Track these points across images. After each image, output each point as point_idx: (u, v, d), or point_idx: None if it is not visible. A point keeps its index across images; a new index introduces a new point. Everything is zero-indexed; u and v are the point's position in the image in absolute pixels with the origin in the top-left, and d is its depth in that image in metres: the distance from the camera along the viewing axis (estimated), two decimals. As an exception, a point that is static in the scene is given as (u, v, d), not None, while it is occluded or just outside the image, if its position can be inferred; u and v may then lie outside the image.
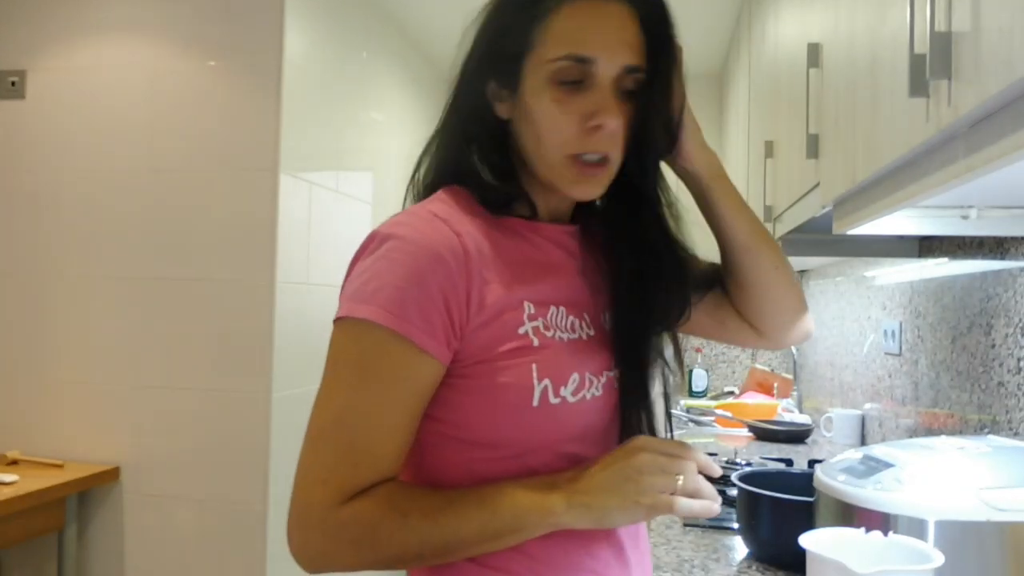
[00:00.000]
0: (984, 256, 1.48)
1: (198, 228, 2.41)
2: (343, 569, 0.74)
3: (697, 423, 2.82)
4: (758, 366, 3.50)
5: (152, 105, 2.45)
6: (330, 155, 2.74)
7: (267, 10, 2.39)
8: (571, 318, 0.82)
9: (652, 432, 0.84)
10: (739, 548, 1.41)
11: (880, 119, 0.94)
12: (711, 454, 2.03)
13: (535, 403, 0.76)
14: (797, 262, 2.71)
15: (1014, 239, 1.37)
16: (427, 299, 0.73)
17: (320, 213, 2.65)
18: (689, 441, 0.83)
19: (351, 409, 0.74)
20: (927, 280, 1.79)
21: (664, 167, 0.90)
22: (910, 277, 1.91)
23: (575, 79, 0.78)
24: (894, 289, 2.04)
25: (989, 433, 1.37)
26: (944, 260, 1.67)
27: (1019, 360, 1.32)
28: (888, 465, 1.00)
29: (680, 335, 0.92)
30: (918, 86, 0.74)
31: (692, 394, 3.54)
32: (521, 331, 0.77)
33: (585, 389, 0.79)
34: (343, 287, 0.79)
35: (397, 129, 3.36)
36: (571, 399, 0.78)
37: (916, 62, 0.74)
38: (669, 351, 0.90)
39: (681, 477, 0.72)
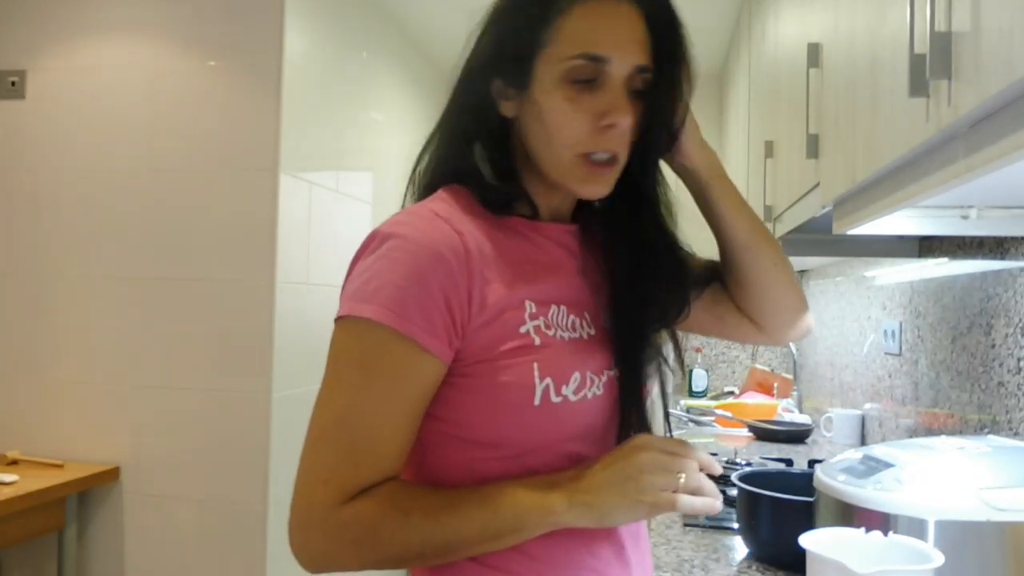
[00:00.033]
0: (984, 256, 1.48)
1: (198, 228, 2.41)
2: (344, 569, 0.74)
3: (697, 423, 2.82)
4: (758, 366, 3.50)
5: (152, 105, 2.45)
6: (330, 155, 2.74)
7: (267, 10, 2.39)
8: (572, 317, 0.82)
9: (651, 431, 0.84)
10: (739, 548, 1.41)
11: (880, 119, 0.94)
12: (711, 454, 2.03)
13: (537, 402, 0.76)
14: (797, 262, 2.71)
15: (1014, 239, 1.37)
16: (429, 298, 0.73)
17: (320, 213, 2.65)
18: (689, 441, 0.82)
19: (352, 408, 0.74)
20: (927, 280, 1.79)
21: (663, 165, 0.90)
22: (910, 277, 1.91)
23: (588, 78, 0.78)
24: (894, 289, 2.04)
25: (989, 433, 1.37)
26: (944, 260, 1.67)
27: (1019, 360, 1.32)
28: (888, 465, 1.00)
29: (680, 334, 0.92)
30: (918, 86, 0.74)
31: (692, 394, 3.54)
32: (522, 330, 0.77)
33: (586, 388, 0.79)
34: (344, 286, 0.79)
35: (397, 129, 3.36)
36: (572, 398, 0.78)
37: (916, 62, 0.74)
38: (668, 350, 0.91)
39: (683, 475, 0.72)
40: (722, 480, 1.46)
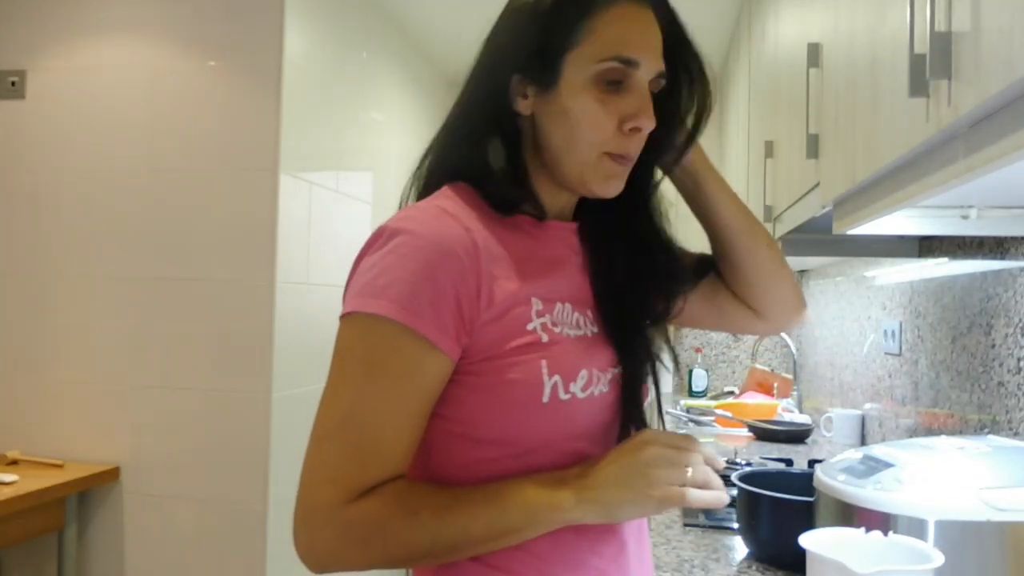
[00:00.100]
0: (984, 256, 1.48)
1: (198, 228, 2.41)
2: (351, 568, 0.73)
3: (697, 423, 2.82)
4: (758, 366, 3.50)
5: (152, 105, 2.45)
6: (330, 155, 2.74)
7: (267, 10, 2.39)
8: (576, 315, 0.83)
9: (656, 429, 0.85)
10: (739, 548, 1.41)
11: (880, 119, 0.94)
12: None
13: (545, 399, 0.76)
14: (797, 262, 2.71)
15: (1014, 239, 1.37)
16: (438, 294, 0.73)
17: (320, 213, 2.65)
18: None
19: (360, 406, 0.73)
20: (927, 280, 1.79)
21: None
22: (910, 277, 1.91)
23: (617, 80, 0.80)
24: (894, 289, 2.04)
25: (989, 433, 1.37)
26: (944, 260, 1.67)
27: (1019, 360, 1.32)
28: (888, 465, 1.00)
29: (671, 331, 0.94)
30: (918, 86, 0.74)
31: (692, 394, 3.54)
32: (530, 327, 0.77)
33: (593, 386, 0.80)
34: (348, 283, 0.78)
35: (397, 129, 3.36)
36: (581, 395, 0.78)
37: (916, 62, 0.74)
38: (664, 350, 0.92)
39: (690, 469, 0.72)
40: (722, 480, 1.46)
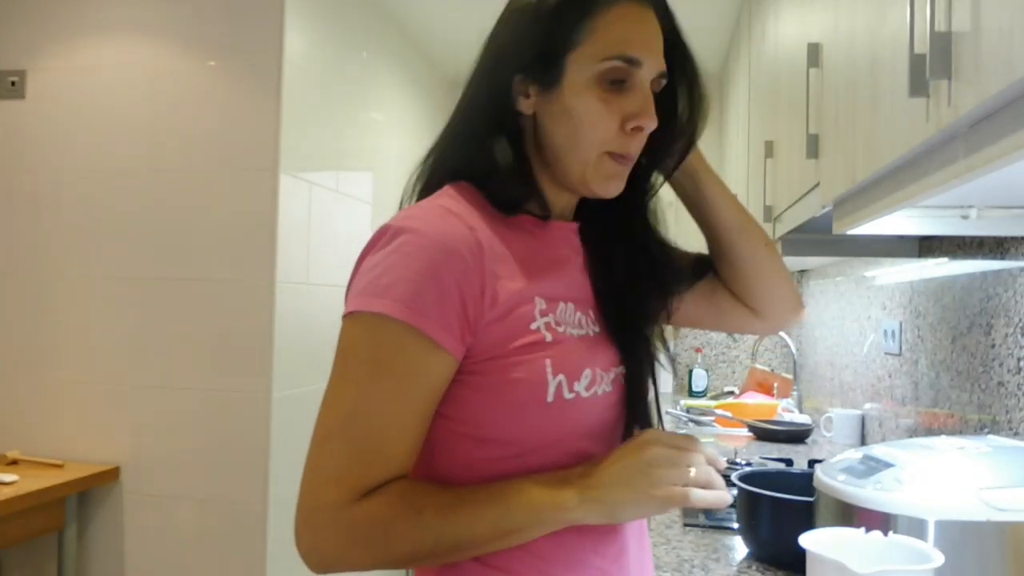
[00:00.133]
0: (984, 256, 1.48)
1: (198, 228, 2.41)
2: (353, 569, 0.73)
3: (697, 423, 2.82)
4: (758, 366, 3.50)
5: (152, 105, 2.45)
6: (330, 155, 2.74)
7: (267, 10, 2.39)
8: (579, 314, 0.83)
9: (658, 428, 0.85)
10: (739, 548, 1.41)
11: (880, 119, 0.94)
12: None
13: (550, 399, 0.76)
14: (797, 262, 2.71)
15: (1014, 239, 1.37)
16: (443, 293, 0.73)
17: (320, 213, 2.65)
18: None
19: (363, 405, 0.73)
20: (927, 280, 1.79)
21: None
22: (910, 277, 1.91)
23: (620, 79, 0.80)
24: (894, 289, 2.04)
25: (989, 433, 1.37)
26: (944, 260, 1.67)
27: (1019, 360, 1.32)
28: (888, 465, 1.00)
29: (666, 331, 0.94)
30: (918, 86, 0.74)
31: (692, 394, 3.54)
32: (533, 327, 0.77)
33: (597, 385, 0.80)
34: (351, 283, 0.78)
35: (397, 129, 3.36)
36: (585, 394, 0.78)
37: (916, 62, 0.74)
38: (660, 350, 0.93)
39: (693, 469, 0.72)
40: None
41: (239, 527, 2.35)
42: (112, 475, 2.40)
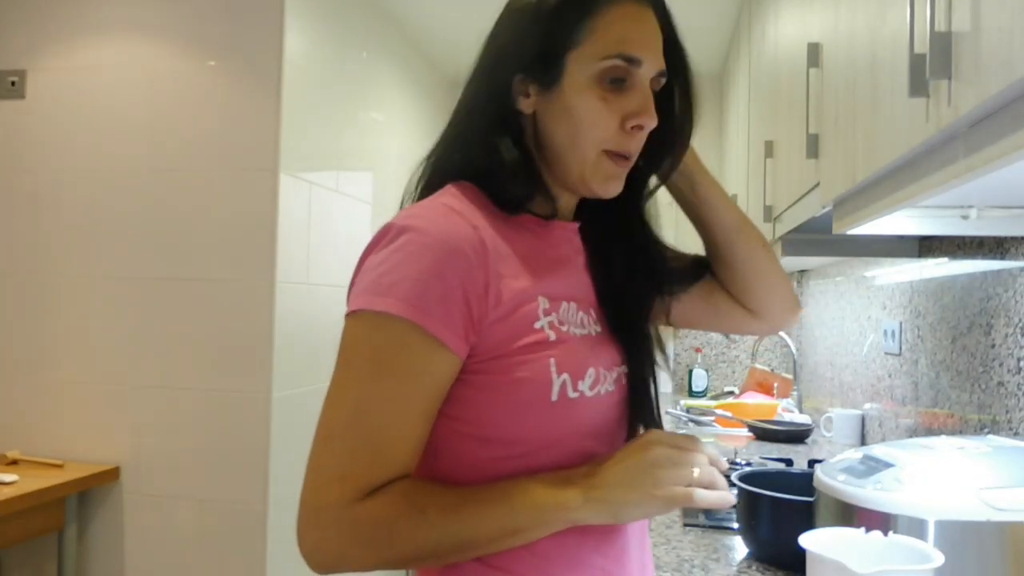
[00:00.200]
0: (984, 256, 1.48)
1: (198, 228, 2.41)
2: (356, 569, 0.72)
3: (697, 423, 2.82)
4: (758, 366, 3.50)
5: (152, 105, 2.45)
6: (330, 155, 2.74)
7: (267, 10, 2.39)
8: (581, 314, 0.83)
9: (660, 428, 0.85)
10: (739, 548, 1.41)
11: (880, 119, 0.94)
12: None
13: (554, 398, 0.76)
14: (797, 262, 2.71)
15: (1014, 239, 1.37)
16: (447, 292, 0.72)
17: (320, 213, 2.65)
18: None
19: (367, 404, 0.73)
20: (927, 280, 1.79)
21: None
22: (910, 277, 1.91)
23: (619, 78, 0.80)
24: (894, 289, 2.04)
25: (989, 433, 1.37)
26: (944, 260, 1.67)
27: (1019, 360, 1.32)
28: (888, 465, 1.00)
29: (661, 332, 0.95)
30: (918, 86, 0.74)
31: (692, 394, 3.54)
32: (537, 326, 0.77)
33: (600, 384, 0.80)
34: (354, 281, 0.78)
35: (397, 129, 3.36)
36: (589, 393, 0.79)
37: (916, 62, 0.74)
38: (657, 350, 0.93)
39: (696, 469, 0.73)
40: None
41: (239, 527, 2.35)
42: (112, 475, 2.40)
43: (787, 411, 2.88)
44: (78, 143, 2.50)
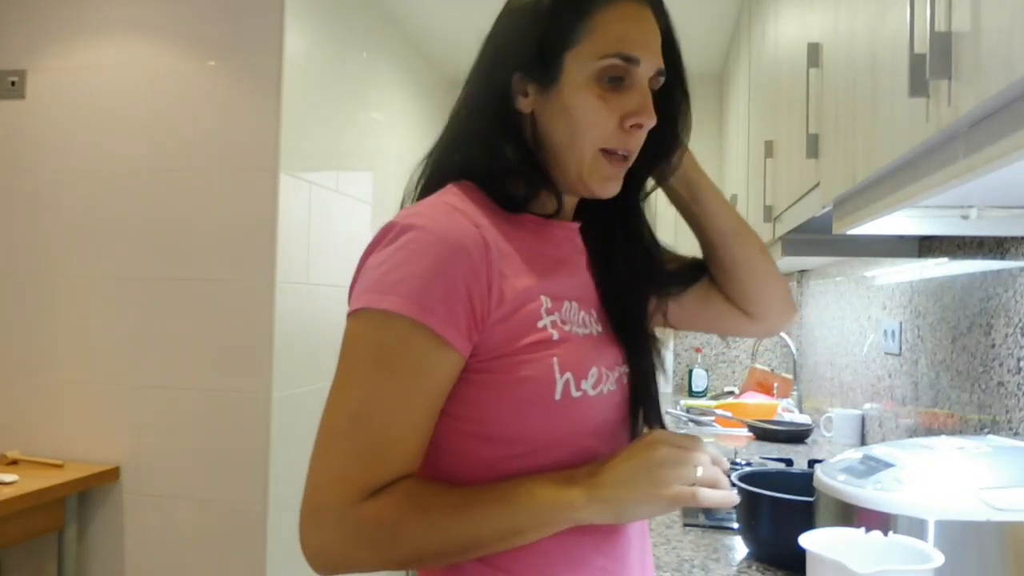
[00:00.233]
0: (984, 256, 1.48)
1: (198, 228, 2.41)
2: (360, 570, 0.72)
3: (697, 423, 2.82)
4: (758, 366, 3.50)
5: (152, 105, 2.45)
6: (330, 155, 2.74)
7: (267, 10, 2.39)
8: (583, 313, 0.83)
9: (664, 427, 0.85)
10: (739, 548, 1.41)
11: (880, 119, 0.94)
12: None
13: (557, 397, 0.76)
14: (797, 262, 2.71)
15: (1014, 239, 1.37)
16: (452, 290, 0.72)
17: (320, 213, 2.65)
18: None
19: (371, 403, 0.72)
20: (927, 280, 1.79)
21: None
22: (910, 277, 1.91)
23: (618, 77, 0.80)
24: (894, 289, 2.04)
25: (989, 433, 1.37)
26: (944, 260, 1.67)
27: (1019, 360, 1.32)
28: (888, 465, 1.00)
29: (658, 332, 0.95)
30: (918, 86, 0.74)
31: (692, 394, 3.54)
32: (540, 324, 0.77)
33: (602, 384, 0.80)
34: (356, 280, 0.78)
35: (397, 129, 3.36)
36: (591, 392, 0.79)
37: (916, 62, 0.74)
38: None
39: (700, 468, 0.73)
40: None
41: (239, 527, 2.35)
42: (112, 475, 2.40)
43: (787, 411, 2.88)
44: (78, 143, 2.50)
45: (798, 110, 1.54)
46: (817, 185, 1.35)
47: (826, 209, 1.30)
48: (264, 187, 2.37)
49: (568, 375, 0.77)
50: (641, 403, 0.87)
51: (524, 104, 0.83)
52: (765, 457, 2.05)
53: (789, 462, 1.95)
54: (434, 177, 0.87)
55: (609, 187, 0.84)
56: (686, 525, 1.54)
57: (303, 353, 2.48)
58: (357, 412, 0.72)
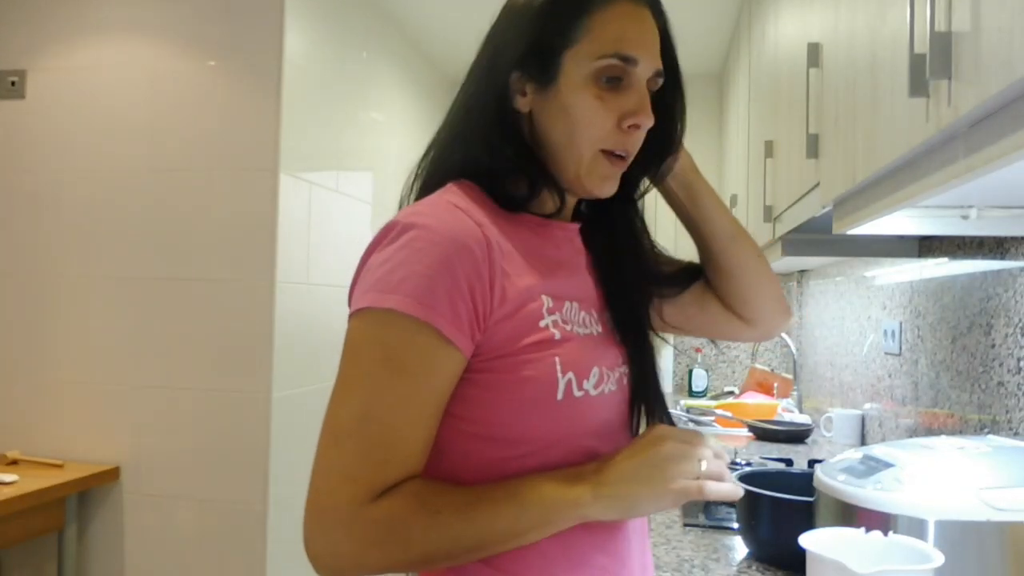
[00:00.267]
0: (984, 256, 1.48)
1: (198, 228, 2.41)
2: (367, 572, 0.71)
3: (697, 423, 2.82)
4: (758, 366, 3.50)
5: (152, 105, 2.45)
6: (330, 155, 2.74)
7: (267, 10, 2.39)
8: (583, 313, 0.83)
9: (672, 424, 0.86)
10: (739, 548, 1.41)
11: (880, 119, 0.94)
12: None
13: (559, 396, 0.76)
14: (797, 262, 2.71)
15: (1014, 239, 1.37)
16: (455, 289, 0.72)
17: (320, 213, 2.65)
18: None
19: (375, 403, 0.71)
20: (927, 280, 1.79)
21: None
22: (910, 277, 1.91)
23: (616, 77, 0.80)
24: (894, 289, 2.04)
25: (989, 433, 1.37)
26: (944, 260, 1.67)
27: (1019, 360, 1.32)
28: (888, 465, 1.00)
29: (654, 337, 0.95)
30: (918, 86, 0.74)
31: (692, 394, 3.54)
32: (542, 324, 0.77)
33: (604, 383, 0.80)
34: (357, 280, 0.77)
35: (397, 129, 3.36)
36: (593, 392, 0.79)
37: (916, 62, 0.74)
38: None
39: (704, 462, 0.73)
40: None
41: (239, 527, 2.35)
42: (112, 475, 2.40)
43: (787, 411, 2.88)
44: (78, 143, 2.50)
45: (798, 110, 1.54)
46: (817, 185, 1.35)
47: (826, 209, 1.30)
48: (264, 187, 2.37)
49: (570, 375, 0.77)
50: (641, 403, 0.87)
51: (522, 103, 0.83)
52: (765, 457, 2.05)
53: (789, 462, 1.95)
54: (433, 176, 0.86)
55: (606, 187, 0.84)
56: (686, 525, 1.54)
57: (303, 353, 2.48)
58: (363, 413, 0.72)
